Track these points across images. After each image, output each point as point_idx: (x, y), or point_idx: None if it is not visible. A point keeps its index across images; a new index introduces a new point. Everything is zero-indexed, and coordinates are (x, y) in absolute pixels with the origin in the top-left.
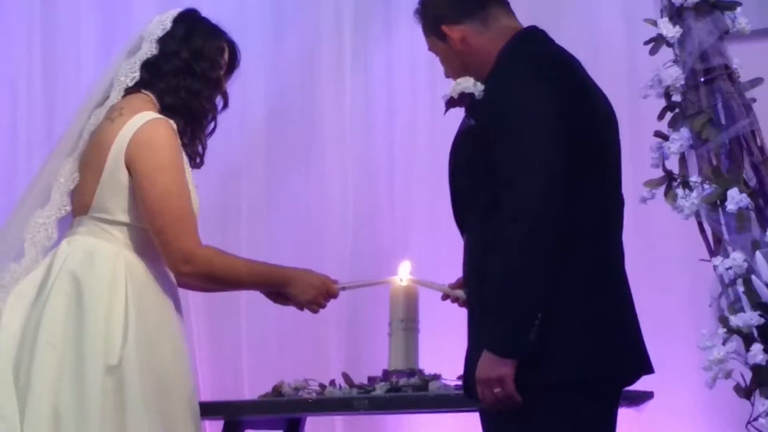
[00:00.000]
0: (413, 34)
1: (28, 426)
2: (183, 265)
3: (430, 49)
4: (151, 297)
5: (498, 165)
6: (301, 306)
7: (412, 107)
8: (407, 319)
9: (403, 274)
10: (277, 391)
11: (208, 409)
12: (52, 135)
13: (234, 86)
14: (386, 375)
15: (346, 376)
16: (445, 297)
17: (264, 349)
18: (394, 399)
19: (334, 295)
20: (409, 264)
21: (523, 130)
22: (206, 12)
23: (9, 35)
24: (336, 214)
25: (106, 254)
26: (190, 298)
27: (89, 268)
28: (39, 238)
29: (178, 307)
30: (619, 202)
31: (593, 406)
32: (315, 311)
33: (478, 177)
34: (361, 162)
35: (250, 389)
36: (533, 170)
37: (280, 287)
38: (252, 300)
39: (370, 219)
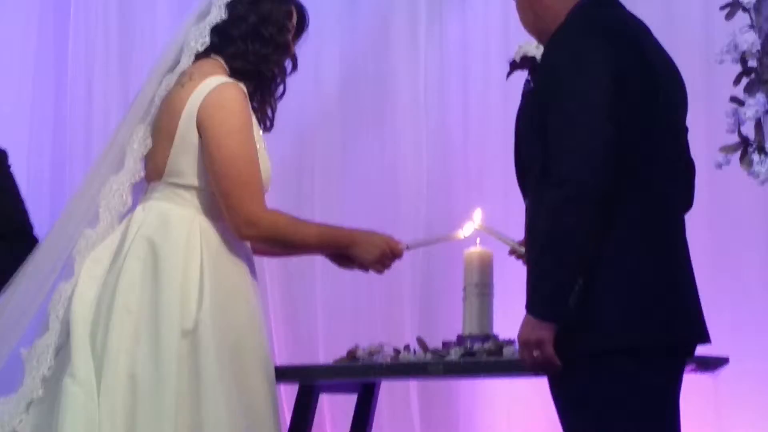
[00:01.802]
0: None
1: (105, 390)
2: (247, 228)
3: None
4: (226, 262)
5: (548, 129)
6: (366, 267)
7: (486, 72)
8: (481, 284)
9: (476, 220)
10: (351, 355)
11: (283, 373)
12: (127, 100)
13: (308, 51)
14: (460, 340)
15: (420, 341)
16: (512, 252)
17: (339, 314)
18: (468, 364)
19: (399, 255)
20: (481, 211)
21: (572, 94)
22: None
23: (86, 3)
24: (410, 178)
25: (181, 219)
26: (265, 263)
27: (164, 233)
28: (114, 204)
29: (253, 271)
30: (682, 168)
31: (648, 374)
32: (380, 272)
33: (535, 140)
34: (435, 127)
35: (325, 353)
36: (580, 136)
37: (344, 249)
38: (327, 265)
39: (444, 184)
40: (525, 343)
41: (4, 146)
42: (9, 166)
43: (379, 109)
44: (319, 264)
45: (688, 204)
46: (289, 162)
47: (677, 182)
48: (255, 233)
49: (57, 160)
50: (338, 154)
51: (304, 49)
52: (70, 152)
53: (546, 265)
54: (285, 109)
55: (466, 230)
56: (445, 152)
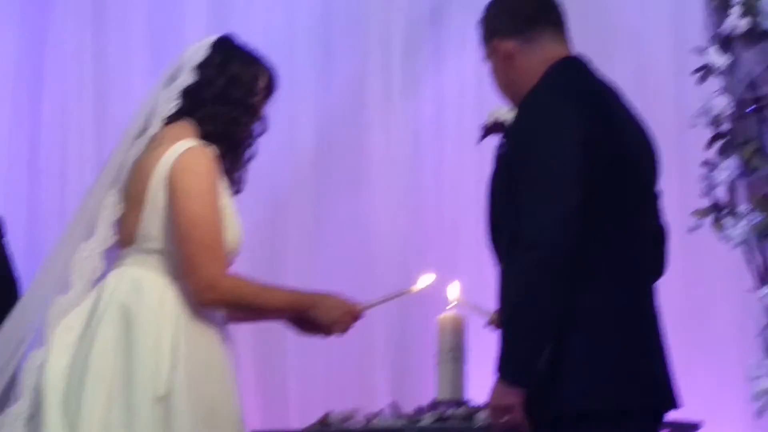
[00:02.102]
0: (462, 60)
1: None
2: (207, 292)
3: (485, 58)
4: (200, 328)
5: (519, 192)
6: (326, 330)
7: (461, 133)
8: (455, 349)
9: (453, 293)
10: (324, 421)
11: None
12: (101, 161)
13: (282, 112)
14: (434, 405)
15: (394, 406)
16: (490, 323)
17: (311, 379)
18: (441, 430)
19: (357, 316)
20: (459, 284)
21: (542, 160)
22: (255, 38)
23: (63, 62)
24: (385, 240)
25: (154, 284)
26: (238, 328)
27: (137, 298)
28: (85, 271)
29: (226, 337)
30: (651, 235)
31: None
32: (341, 334)
33: (506, 205)
34: (410, 189)
35: (299, 419)
36: (550, 200)
37: (304, 311)
38: None
39: (419, 246)
40: (495, 408)
41: None
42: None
43: (355, 171)
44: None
45: (658, 271)
46: (263, 224)
47: (645, 249)
48: (216, 297)
49: (32, 221)
50: (312, 216)
51: (277, 110)
52: (45, 213)
53: (514, 330)
54: (258, 171)
55: (420, 284)
56: (420, 214)
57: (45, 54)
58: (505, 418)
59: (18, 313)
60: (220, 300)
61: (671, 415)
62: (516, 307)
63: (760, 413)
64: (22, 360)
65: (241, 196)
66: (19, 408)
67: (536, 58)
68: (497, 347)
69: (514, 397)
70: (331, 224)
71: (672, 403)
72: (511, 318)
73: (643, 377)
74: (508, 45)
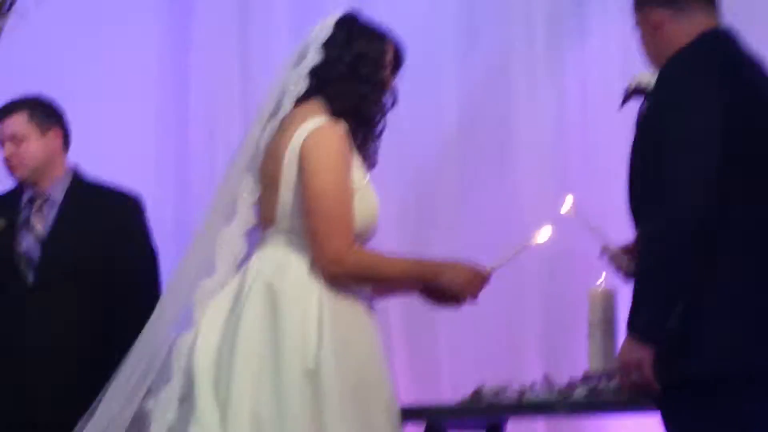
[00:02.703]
0: (606, 36)
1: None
2: (332, 266)
3: (636, 25)
4: (344, 302)
5: (661, 162)
6: (456, 296)
7: (606, 110)
8: (605, 321)
9: (567, 205)
10: (477, 394)
11: (410, 413)
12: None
13: (427, 92)
14: (586, 378)
15: (547, 379)
16: (604, 251)
17: (462, 352)
18: (593, 402)
19: (486, 279)
20: (572, 198)
21: (683, 130)
22: (397, 16)
23: (209, 54)
24: (531, 219)
25: (297, 263)
26: (390, 305)
27: (281, 277)
28: (229, 253)
29: (371, 310)
30: None
31: (752, 406)
32: (473, 298)
33: (644, 170)
34: (556, 167)
35: (450, 393)
36: (689, 171)
37: (431, 279)
38: None
39: (566, 225)
40: (624, 364)
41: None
42: (141, 214)
43: (499, 147)
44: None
45: None
46: (409, 203)
47: None
48: (341, 271)
49: (180, 207)
50: (458, 195)
51: (422, 90)
52: (195, 199)
53: (648, 287)
54: (404, 150)
55: (540, 236)
56: (566, 191)
57: (191, 45)
58: (634, 375)
59: (167, 297)
60: (345, 274)
61: None
62: (652, 265)
63: None
64: (173, 343)
65: (387, 175)
66: (171, 390)
67: (684, 28)
68: (630, 303)
69: (643, 353)
70: (476, 203)
71: None
72: (646, 275)
73: None
74: (659, 14)
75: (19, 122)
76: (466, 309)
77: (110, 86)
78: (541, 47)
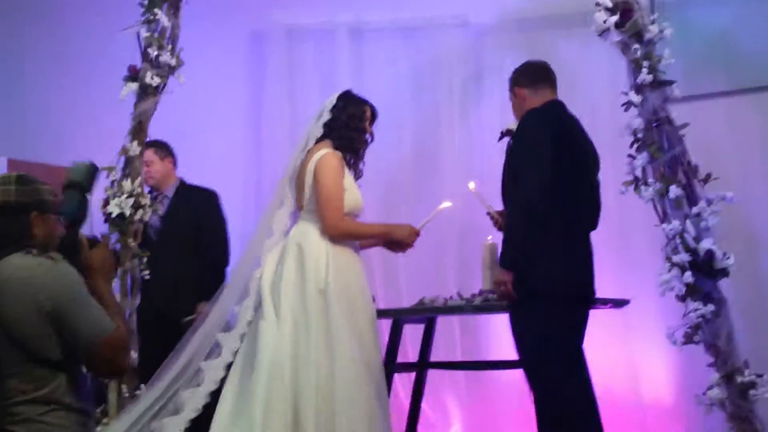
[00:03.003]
0: (495, 97)
1: (281, 323)
2: (330, 230)
3: (510, 95)
4: (341, 250)
5: (517, 172)
6: (404, 244)
7: (492, 141)
8: (491, 261)
9: (471, 186)
10: (421, 302)
11: (382, 313)
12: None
13: (392, 127)
14: (481, 292)
15: (459, 293)
16: (488, 213)
17: (413, 277)
18: (484, 306)
19: (418, 233)
20: (474, 183)
21: (528, 154)
22: (379, 82)
23: (273, 104)
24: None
25: (314, 230)
26: (372, 253)
27: (305, 239)
28: (280, 225)
29: (358, 254)
30: (592, 205)
31: (558, 312)
32: (412, 246)
33: (511, 177)
34: (466, 174)
35: (407, 301)
36: (531, 176)
37: (389, 235)
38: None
39: (472, 206)
40: (496, 282)
41: (220, 189)
42: (216, 201)
43: (434, 163)
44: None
45: (594, 225)
46: (380, 200)
47: (588, 212)
48: (336, 233)
49: (258, 200)
50: (412, 191)
51: (389, 125)
52: (263, 196)
53: (511, 239)
54: (377, 166)
55: (443, 206)
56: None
57: (264, 104)
58: (503, 290)
59: (247, 250)
60: (338, 235)
61: (611, 295)
62: (512, 227)
63: (662, 294)
64: (251, 274)
65: (367, 182)
66: (249, 301)
67: (538, 100)
68: (501, 248)
69: (507, 276)
70: (422, 197)
71: (594, 295)
72: (509, 233)
73: (579, 278)
74: (523, 91)
75: (149, 154)
76: (417, 256)
77: (216, 128)
78: (457, 102)
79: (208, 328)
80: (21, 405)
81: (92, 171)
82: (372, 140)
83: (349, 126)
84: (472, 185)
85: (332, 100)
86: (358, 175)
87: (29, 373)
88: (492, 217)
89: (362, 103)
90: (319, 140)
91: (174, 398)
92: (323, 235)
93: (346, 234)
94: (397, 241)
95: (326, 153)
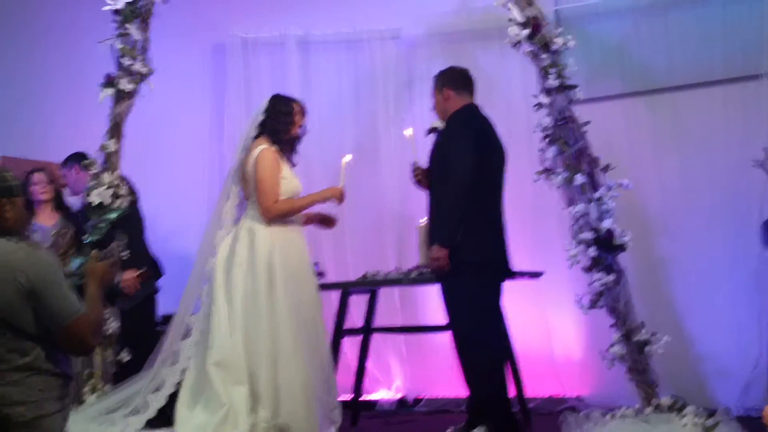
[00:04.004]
0: (422, 101)
1: (233, 303)
2: (267, 213)
3: (433, 95)
4: (286, 230)
5: (447, 163)
6: (338, 199)
7: (418, 138)
8: (425, 240)
9: (407, 133)
10: (365, 276)
11: (332, 286)
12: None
13: (337, 127)
14: (418, 266)
15: (398, 267)
16: (415, 166)
17: (357, 254)
18: (420, 278)
19: (342, 191)
20: (411, 131)
21: (457, 147)
22: (326, 91)
23: (234, 115)
24: (391, 190)
25: (259, 216)
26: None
27: (254, 223)
28: (230, 216)
29: (300, 229)
30: (501, 190)
31: (484, 277)
32: (340, 203)
33: (439, 168)
34: (399, 169)
35: (352, 274)
36: (460, 165)
37: (321, 199)
38: (354, 229)
39: (416, 197)
40: (433, 258)
41: (190, 182)
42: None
43: (372, 159)
44: (349, 227)
45: (503, 208)
46: (327, 184)
47: (499, 197)
48: (272, 215)
49: (212, 192)
50: (352, 181)
51: (333, 125)
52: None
53: (444, 220)
54: (324, 155)
55: (345, 159)
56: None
57: (225, 102)
58: (438, 264)
59: (204, 241)
60: (275, 216)
61: (528, 269)
62: (444, 210)
63: (570, 266)
64: (207, 263)
65: (314, 171)
66: (208, 287)
67: (459, 101)
68: (432, 227)
69: (442, 252)
70: (361, 185)
71: (510, 268)
72: (441, 215)
73: (498, 252)
74: (449, 92)
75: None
76: (360, 233)
77: (183, 129)
78: (392, 108)
79: (182, 313)
80: (6, 372)
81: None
82: (305, 132)
83: (279, 123)
84: (409, 132)
85: (265, 102)
86: (293, 165)
87: (12, 343)
88: (414, 169)
89: (290, 101)
90: (256, 138)
91: (156, 377)
92: (264, 218)
93: (282, 213)
94: (329, 197)
95: (263, 149)
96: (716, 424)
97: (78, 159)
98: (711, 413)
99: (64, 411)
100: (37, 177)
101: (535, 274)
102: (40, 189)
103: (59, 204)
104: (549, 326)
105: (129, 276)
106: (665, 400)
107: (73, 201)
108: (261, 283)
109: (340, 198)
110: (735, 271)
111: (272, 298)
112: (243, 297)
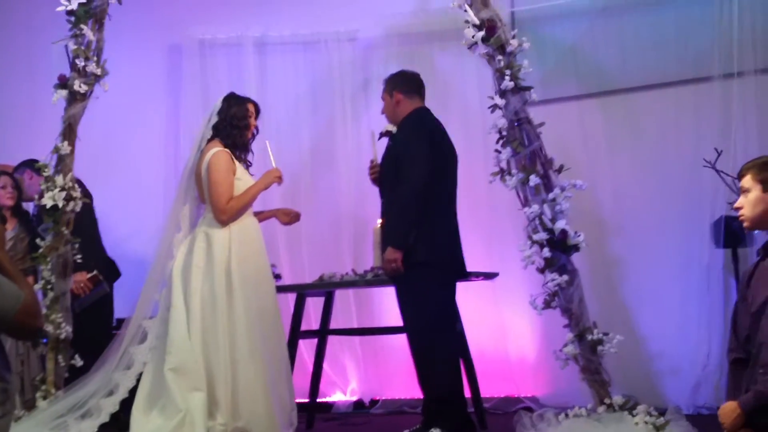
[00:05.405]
0: (376, 105)
1: (191, 308)
2: (219, 215)
3: (383, 98)
4: (243, 230)
5: (401, 166)
6: (279, 180)
7: (377, 141)
8: (380, 241)
9: (374, 138)
10: (321, 278)
11: (288, 288)
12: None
13: (295, 130)
14: (372, 268)
15: (353, 270)
16: (372, 162)
17: (314, 257)
18: (376, 280)
19: (279, 173)
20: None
21: (411, 151)
22: (284, 94)
23: (190, 114)
24: (347, 191)
25: (215, 219)
26: (279, 231)
27: (210, 226)
28: (187, 219)
29: (258, 226)
30: (454, 191)
31: (438, 277)
32: (280, 182)
33: (392, 171)
34: (355, 168)
35: (308, 277)
36: (415, 169)
37: (265, 184)
38: (312, 228)
39: (371, 201)
40: (388, 261)
41: (147, 181)
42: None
43: (329, 160)
44: (305, 229)
45: (454, 209)
46: (288, 184)
47: (453, 198)
48: (225, 217)
49: (168, 193)
50: (309, 181)
51: (291, 128)
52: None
53: (399, 223)
54: (283, 156)
55: (269, 147)
56: (360, 178)
57: (180, 103)
58: (393, 265)
59: (160, 245)
60: (228, 217)
61: (483, 269)
62: (398, 213)
63: (525, 267)
64: (165, 267)
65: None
66: (166, 290)
67: (409, 105)
68: (387, 232)
69: (397, 254)
70: (318, 186)
71: (464, 269)
72: (396, 218)
73: (451, 252)
74: (399, 95)
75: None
76: (316, 235)
77: (138, 130)
78: (349, 111)
79: (138, 317)
80: None
81: None
82: (257, 133)
83: (233, 125)
84: (374, 131)
85: (218, 103)
86: (247, 166)
87: None
88: (372, 167)
89: (245, 101)
90: (210, 140)
91: (109, 382)
92: (218, 220)
93: (234, 212)
94: (270, 182)
95: (216, 151)
96: (666, 423)
97: (30, 164)
98: (662, 412)
99: (6, 417)
100: (3, 181)
101: (490, 275)
102: (6, 194)
103: (17, 209)
104: (504, 326)
105: (80, 278)
106: (617, 400)
107: (27, 206)
108: (219, 287)
109: (279, 178)
110: (686, 270)
111: (230, 302)
112: (201, 301)
